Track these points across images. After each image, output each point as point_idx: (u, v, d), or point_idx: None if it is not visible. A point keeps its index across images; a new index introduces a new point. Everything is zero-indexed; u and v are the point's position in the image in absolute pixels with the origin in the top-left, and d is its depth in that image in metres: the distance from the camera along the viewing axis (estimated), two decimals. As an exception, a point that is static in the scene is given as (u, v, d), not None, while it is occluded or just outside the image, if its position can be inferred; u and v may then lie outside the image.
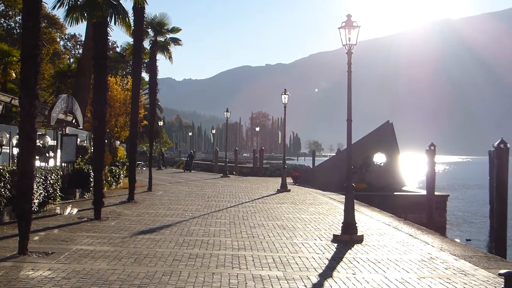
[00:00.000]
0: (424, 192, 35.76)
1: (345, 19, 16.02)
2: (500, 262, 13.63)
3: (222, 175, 53.50)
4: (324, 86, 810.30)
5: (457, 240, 23.08)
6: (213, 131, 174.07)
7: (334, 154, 64.46)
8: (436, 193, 35.76)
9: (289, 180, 42.04)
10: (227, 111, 57.03)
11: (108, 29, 20.61)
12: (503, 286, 10.36)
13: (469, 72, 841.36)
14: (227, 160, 58.01)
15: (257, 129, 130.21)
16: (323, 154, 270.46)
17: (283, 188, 34.99)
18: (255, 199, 28.84)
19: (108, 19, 20.42)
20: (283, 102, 36.49)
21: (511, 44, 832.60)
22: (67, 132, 28.03)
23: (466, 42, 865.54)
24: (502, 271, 10.81)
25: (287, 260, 12.84)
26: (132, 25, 24.79)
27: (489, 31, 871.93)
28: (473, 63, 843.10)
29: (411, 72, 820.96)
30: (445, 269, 12.33)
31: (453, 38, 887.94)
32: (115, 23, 20.85)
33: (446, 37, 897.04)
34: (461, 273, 11.88)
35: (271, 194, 32.46)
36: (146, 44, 33.84)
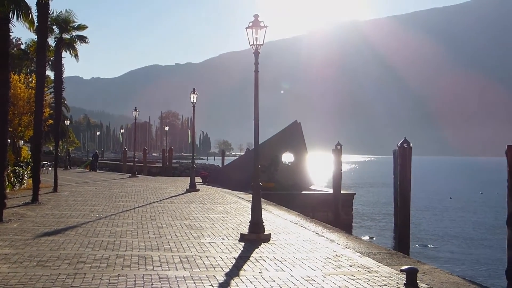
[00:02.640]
0: (331, 190, 36.35)
1: (252, 19, 16.08)
2: (403, 258, 14.00)
3: (130, 175, 52.90)
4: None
5: (362, 238, 23.61)
6: (122, 131, 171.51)
7: (243, 153, 64.72)
8: (342, 191, 36.41)
9: (198, 179, 41.95)
10: (135, 110, 56.46)
11: (10, 25, 19.95)
12: (404, 282, 10.71)
13: (373, 73, 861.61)
14: (136, 159, 57.40)
15: (167, 128, 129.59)
16: (232, 153, 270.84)
17: (192, 188, 34.91)
18: (163, 199, 28.63)
19: (10, 15, 19.77)
20: (192, 101, 36.40)
21: (413, 47, 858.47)
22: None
23: (371, 44, 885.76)
24: (403, 267, 11.16)
25: (194, 260, 12.80)
26: (36, 22, 24.12)
27: (392, 33, 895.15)
28: (377, 64, 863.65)
29: (318, 73, 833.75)
30: (350, 266, 12.57)
31: (360, 39, 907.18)
32: (17, 19, 20.22)
33: (353, 38, 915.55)
34: (365, 270, 12.13)
35: (180, 194, 32.30)
36: (52, 41, 33.07)
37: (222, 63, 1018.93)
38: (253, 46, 16.08)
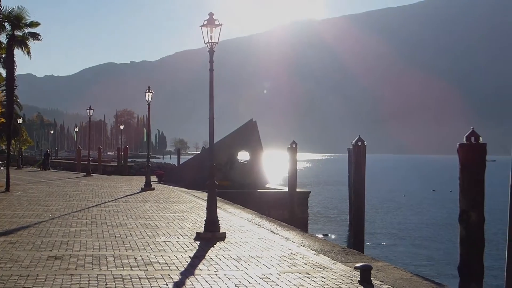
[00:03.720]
0: (286, 189, 36.51)
1: (207, 17, 16.05)
2: (357, 256, 14.12)
3: (85, 174, 52.33)
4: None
5: (318, 236, 23.78)
6: (76, 129, 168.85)
7: (200, 152, 64.60)
8: (298, 190, 36.59)
9: (154, 178, 41.72)
10: (90, 108, 55.86)
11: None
12: (359, 279, 10.83)
13: (328, 72, 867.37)
14: (90, 158, 56.81)
15: (122, 127, 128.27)
16: (189, 152, 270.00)
17: (147, 187, 34.68)
18: (118, 198, 28.38)
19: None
20: (147, 100, 36.16)
21: (367, 46, 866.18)
22: None
23: (326, 43, 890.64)
24: (358, 265, 11.29)
25: (149, 259, 12.71)
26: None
27: (347, 32, 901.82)
28: (333, 63, 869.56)
29: (274, 71, 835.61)
30: (305, 264, 12.62)
31: (315, 38, 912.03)
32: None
33: (309, 37, 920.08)
34: (320, 268, 12.20)
35: (135, 193, 32.06)
36: (3, 38, 32.52)
37: (178, 62, 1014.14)
38: (208, 45, 16.05)
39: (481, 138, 17.95)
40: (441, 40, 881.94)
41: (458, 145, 18.13)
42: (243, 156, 43.52)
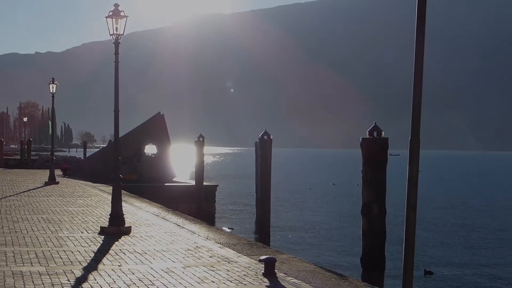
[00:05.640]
0: (194, 182, 36.49)
1: (112, 8, 15.81)
2: (262, 248, 14.26)
3: (-15, 167, 50.69)
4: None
5: (224, 229, 23.87)
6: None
7: (106, 145, 63.66)
8: (205, 183, 36.71)
9: (58, 172, 40.81)
10: (-9, 100, 54.09)
11: None
12: (263, 271, 10.94)
13: (236, 65, 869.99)
14: (-9, 152, 55.07)
15: (25, 119, 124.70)
16: (95, 145, 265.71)
17: (51, 181, 33.88)
18: (20, 193, 27.59)
19: None
20: (52, 91, 35.28)
21: (275, 41, 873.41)
22: None
23: (235, 36, 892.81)
24: (262, 257, 11.41)
25: (51, 254, 12.44)
26: None
27: (255, 27, 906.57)
28: (241, 57, 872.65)
29: (183, 64, 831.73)
30: (210, 257, 12.65)
31: (224, 32, 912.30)
32: None
33: (218, 30, 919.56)
34: (225, 261, 12.25)
35: (38, 187, 31.25)
36: None
37: (84, 53, 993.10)
38: (113, 36, 15.82)
39: (383, 133, 18.50)
40: (350, 37, 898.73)
41: (361, 140, 18.63)
42: (150, 149, 43.22)
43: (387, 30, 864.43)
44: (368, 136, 18.11)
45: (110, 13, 15.71)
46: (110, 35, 15.87)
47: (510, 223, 38.57)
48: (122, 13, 15.71)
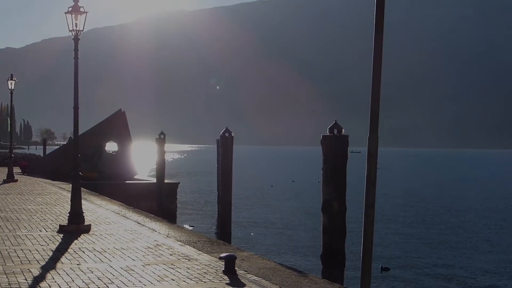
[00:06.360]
0: (155, 180, 36.33)
1: (72, 4, 15.66)
2: (223, 246, 14.26)
3: None
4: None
5: (185, 227, 23.81)
6: None
7: (67, 142, 63.02)
8: (166, 181, 36.56)
9: (17, 170, 40.33)
10: None
11: None
12: (223, 269, 10.95)
13: (195, 62, 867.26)
14: None
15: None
16: (56, 142, 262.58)
17: (10, 178, 33.45)
18: (-23, 191, 27.20)
19: None
20: (10, 88, 34.78)
21: (238, 38, 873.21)
22: None
23: (197, 33, 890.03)
24: (222, 255, 11.40)
25: (8, 253, 12.27)
26: None
27: (217, 24, 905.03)
28: (201, 54, 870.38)
29: (144, 61, 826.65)
30: (170, 255, 12.61)
31: (186, 28, 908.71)
32: None
33: (179, 27, 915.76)
34: (185, 258, 12.22)
35: (-4, 185, 30.84)
36: None
37: (45, 49, 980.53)
38: (73, 32, 15.66)
39: (343, 130, 18.62)
40: (313, 35, 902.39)
41: (321, 137, 18.73)
42: (111, 147, 42.90)
43: (351, 29, 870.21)
44: (328, 134, 18.21)
45: (70, 9, 15.54)
46: (70, 31, 15.70)
47: (467, 220, 39.14)
48: (81, 9, 15.55)
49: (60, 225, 15.95)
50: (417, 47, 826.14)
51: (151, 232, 15.77)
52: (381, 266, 21.69)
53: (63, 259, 11.91)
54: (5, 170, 37.89)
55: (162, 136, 36.78)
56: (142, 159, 64.34)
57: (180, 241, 14.44)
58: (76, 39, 15.77)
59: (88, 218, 16.54)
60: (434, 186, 71.50)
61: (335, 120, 18.29)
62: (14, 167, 35.30)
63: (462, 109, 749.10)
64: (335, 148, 18.03)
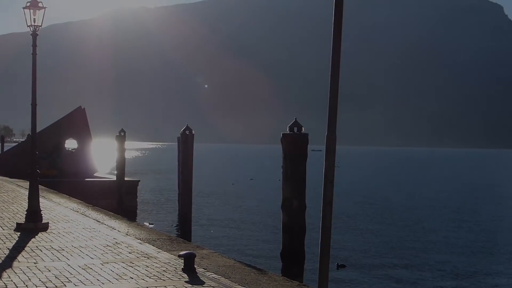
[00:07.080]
0: (115, 178, 36.08)
1: None
2: (183, 244, 14.22)
3: None
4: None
5: (145, 224, 23.70)
6: None
7: (25, 139, 62.22)
8: (127, 178, 36.31)
9: (-27, 167, 39.67)
10: None
11: None
12: (182, 267, 10.92)
13: (156, 61, 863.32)
14: None
15: None
16: (14, 139, 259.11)
17: (-34, 176, 32.97)
18: None
19: None
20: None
21: (198, 35, 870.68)
22: None
23: (156, 31, 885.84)
24: (182, 253, 11.37)
25: (-36, 252, 12.10)
26: None
27: (179, 21, 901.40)
28: (161, 51, 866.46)
29: (104, 58, 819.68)
30: (129, 253, 12.54)
31: (147, 25, 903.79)
32: None
33: (140, 24, 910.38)
34: (144, 256, 12.17)
35: (-48, 182, 30.34)
36: None
37: (2, 44, 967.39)
38: (31, 28, 15.46)
39: (303, 128, 18.68)
40: (275, 34, 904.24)
41: (282, 135, 18.76)
42: (71, 144, 42.47)
43: (312, 28, 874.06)
44: (288, 132, 18.25)
45: (28, 4, 15.32)
46: (28, 26, 15.50)
47: (424, 218, 39.63)
48: (40, 4, 15.35)
49: (17, 223, 15.73)
50: (377, 46, 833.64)
51: (110, 230, 15.66)
52: (337, 264, 21.93)
53: (20, 257, 11.76)
54: (-40, 168, 37.33)
55: (122, 134, 36.52)
56: (102, 156, 63.79)
57: (140, 239, 14.36)
58: (34, 34, 15.56)
59: (46, 216, 16.36)
60: (395, 184, 72.26)
61: (295, 119, 18.34)
62: (-30, 165, 34.76)
63: (425, 107, 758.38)
64: (295, 146, 18.07)
